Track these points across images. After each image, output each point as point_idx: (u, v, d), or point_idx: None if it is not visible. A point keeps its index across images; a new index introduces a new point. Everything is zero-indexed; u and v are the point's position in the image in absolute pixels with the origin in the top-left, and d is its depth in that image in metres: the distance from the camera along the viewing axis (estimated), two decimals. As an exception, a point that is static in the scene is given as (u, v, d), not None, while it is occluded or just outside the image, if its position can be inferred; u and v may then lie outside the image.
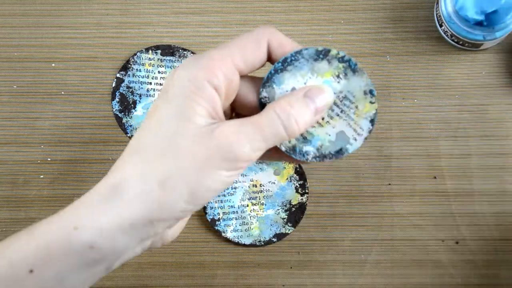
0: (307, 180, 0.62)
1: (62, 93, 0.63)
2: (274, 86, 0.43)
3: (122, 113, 0.62)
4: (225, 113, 0.44)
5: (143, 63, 0.62)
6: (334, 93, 0.43)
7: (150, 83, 0.62)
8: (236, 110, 0.45)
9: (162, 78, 0.62)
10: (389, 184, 0.62)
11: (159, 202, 0.39)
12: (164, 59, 0.62)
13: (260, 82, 0.44)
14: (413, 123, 0.62)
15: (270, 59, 0.44)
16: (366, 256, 0.62)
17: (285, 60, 0.43)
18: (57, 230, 0.39)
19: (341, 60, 0.43)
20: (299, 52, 0.43)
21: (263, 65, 0.44)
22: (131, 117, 0.62)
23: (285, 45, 0.43)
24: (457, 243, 0.62)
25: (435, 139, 0.62)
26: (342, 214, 0.62)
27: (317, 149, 0.43)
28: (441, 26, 0.60)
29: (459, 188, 0.62)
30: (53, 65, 0.63)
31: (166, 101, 0.40)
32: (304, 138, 0.43)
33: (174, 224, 0.42)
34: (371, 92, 0.43)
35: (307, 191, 0.62)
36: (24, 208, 0.63)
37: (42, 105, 0.63)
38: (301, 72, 0.43)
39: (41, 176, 0.63)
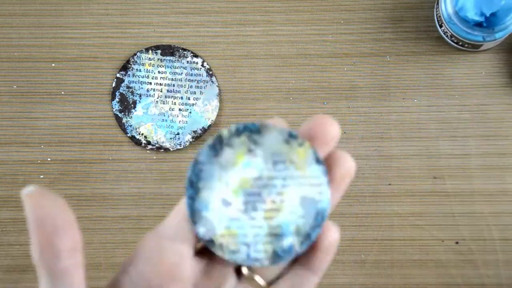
0: (307, 180, 0.62)
1: (62, 93, 0.63)
2: (202, 211, 0.34)
3: (122, 113, 0.62)
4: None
5: (143, 63, 0.62)
6: (259, 169, 0.34)
7: (150, 83, 0.62)
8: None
9: (162, 78, 0.62)
10: (389, 184, 0.62)
11: None
12: (164, 59, 0.62)
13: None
14: (413, 123, 0.62)
15: None
16: (366, 256, 0.62)
17: (191, 183, 0.34)
18: None
19: (238, 133, 0.34)
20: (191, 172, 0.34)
21: None
22: (131, 117, 0.62)
23: None
24: (457, 243, 0.62)
25: (435, 139, 0.62)
26: (342, 214, 0.62)
27: (297, 233, 0.34)
28: (441, 26, 0.60)
29: (459, 188, 0.62)
30: (53, 65, 0.63)
31: None
32: (275, 235, 0.34)
33: None
34: (290, 135, 0.34)
35: (307, 191, 0.61)
36: (24, 208, 0.63)
37: (42, 105, 0.63)
38: (213, 188, 0.34)
39: (41, 176, 0.63)
